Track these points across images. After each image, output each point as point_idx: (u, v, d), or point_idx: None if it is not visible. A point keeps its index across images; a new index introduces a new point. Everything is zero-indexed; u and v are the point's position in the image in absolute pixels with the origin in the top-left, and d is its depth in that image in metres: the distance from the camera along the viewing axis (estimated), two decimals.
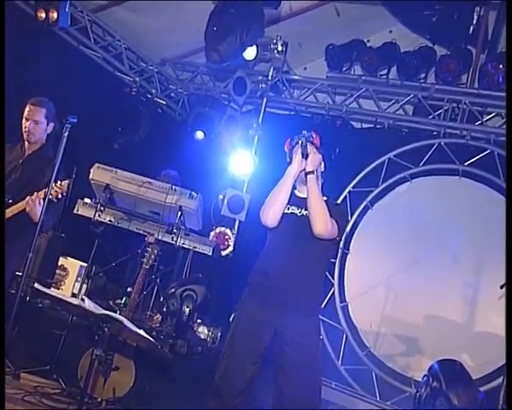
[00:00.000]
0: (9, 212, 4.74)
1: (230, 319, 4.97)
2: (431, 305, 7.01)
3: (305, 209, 3.97)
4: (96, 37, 7.73)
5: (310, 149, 4.00)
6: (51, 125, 4.99)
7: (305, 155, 3.96)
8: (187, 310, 5.76)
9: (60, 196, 4.51)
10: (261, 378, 4.04)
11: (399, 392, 6.80)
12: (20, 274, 4.03)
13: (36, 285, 3.54)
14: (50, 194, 4.33)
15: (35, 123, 4.91)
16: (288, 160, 4.12)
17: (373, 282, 7.42)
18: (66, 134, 4.31)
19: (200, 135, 8.16)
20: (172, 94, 8.89)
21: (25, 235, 4.50)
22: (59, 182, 4.49)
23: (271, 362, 3.98)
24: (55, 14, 6.54)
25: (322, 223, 3.86)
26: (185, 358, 5.68)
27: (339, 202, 7.61)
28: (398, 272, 7.29)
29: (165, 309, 5.91)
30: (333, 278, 7.62)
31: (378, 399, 6.82)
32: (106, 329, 3.21)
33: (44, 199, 4.32)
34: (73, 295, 6.18)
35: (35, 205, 4.56)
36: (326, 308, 7.50)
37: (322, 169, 4.19)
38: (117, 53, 8.00)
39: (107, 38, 7.89)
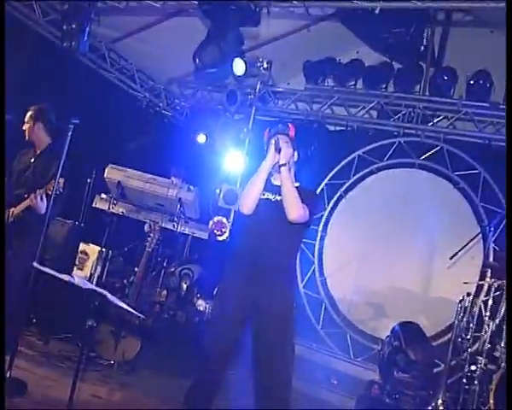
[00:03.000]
0: (23, 206, 4.68)
1: (214, 292, 4.94)
2: (394, 276, 6.94)
3: (279, 195, 3.80)
4: (112, 61, 7.68)
5: (282, 143, 3.81)
6: (38, 124, 4.87)
7: (277, 150, 3.78)
8: (184, 286, 5.72)
9: (58, 191, 4.30)
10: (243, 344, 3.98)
11: (369, 350, 6.74)
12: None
13: (34, 264, 3.42)
14: (50, 189, 4.25)
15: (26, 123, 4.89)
16: (265, 148, 3.92)
17: (347, 259, 7.35)
18: (69, 134, 4.22)
19: (202, 138, 8.10)
20: (178, 107, 8.83)
21: (36, 225, 4.37)
22: (61, 179, 4.38)
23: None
24: (76, 42, 6.49)
25: (295, 210, 3.70)
26: (184, 326, 5.63)
27: (317, 192, 7.63)
28: (367, 250, 7.19)
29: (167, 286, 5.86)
30: (313, 257, 7.57)
31: (352, 357, 6.77)
32: (96, 302, 3.13)
33: (47, 195, 4.29)
34: (90, 275, 6.14)
35: (37, 200, 4.48)
36: (308, 282, 7.53)
37: (296, 159, 3.99)
38: (130, 74, 7.96)
39: (122, 62, 7.84)
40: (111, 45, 7.57)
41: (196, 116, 8.49)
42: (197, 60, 5.51)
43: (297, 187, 3.89)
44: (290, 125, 4.01)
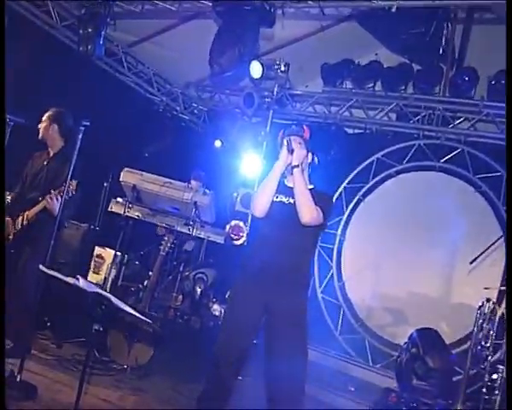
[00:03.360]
0: (37, 209, 4.70)
1: (226, 296, 4.86)
2: (414, 281, 6.80)
3: (292, 198, 3.72)
4: (129, 65, 7.67)
5: (295, 144, 3.74)
6: (54, 125, 4.90)
7: (290, 151, 3.70)
8: (199, 290, 5.64)
9: (71, 193, 4.32)
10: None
11: (388, 356, 6.59)
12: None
13: (40, 267, 3.38)
14: (65, 191, 4.23)
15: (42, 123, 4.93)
16: (279, 149, 3.84)
17: (365, 263, 7.24)
18: (80, 136, 4.20)
19: (218, 143, 8.11)
20: (195, 111, 8.79)
21: (51, 228, 4.33)
22: (73, 181, 4.36)
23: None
24: (92, 46, 6.49)
25: (308, 212, 3.62)
26: (198, 331, 5.55)
27: (335, 195, 7.53)
28: (386, 254, 7.08)
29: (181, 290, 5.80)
30: (331, 261, 7.45)
31: (370, 364, 6.63)
32: (103, 306, 3.07)
33: (62, 196, 4.27)
34: (105, 280, 6.11)
35: (52, 202, 4.49)
36: (326, 287, 7.41)
37: (310, 161, 3.91)
38: (147, 78, 7.93)
39: (139, 66, 7.82)
40: (128, 49, 7.56)
41: (214, 120, 8.48)
42: (213, 62, 5.47)
43: (311, 189, 3.81)
44: (305, 127, 3.94)
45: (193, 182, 6.95)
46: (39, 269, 3.41)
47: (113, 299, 3.06)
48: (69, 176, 4.26)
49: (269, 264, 3.70)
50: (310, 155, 3.92)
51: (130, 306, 3.31)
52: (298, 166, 3.70)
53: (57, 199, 4.47)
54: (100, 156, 7.03)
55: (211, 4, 5.71)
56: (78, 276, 3.15)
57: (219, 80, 8.19)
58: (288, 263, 3.71)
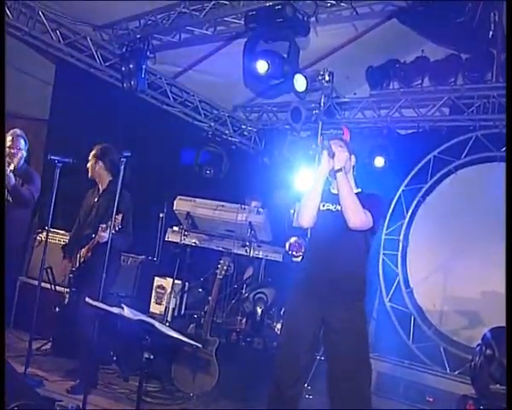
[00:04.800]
0: (91, 245, 4.80)
1: (281, 313, 4.74)
2: (485, 280, 6.39)
3: (339, 204, 3.61)
4: (174, 96, 7.77)
5: (336, 148, 3.63)
6: (99, 162, 5.02)
7: (331, 155, 3.59)
8: (259, 311, 5.54)
9: (117, 227, 4.39)
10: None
11: (466, 362, 6.18)
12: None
13: (87, 299, 3.38)
14: (112, 225, 4.30)
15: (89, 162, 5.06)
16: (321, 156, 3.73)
17: (432, 267, 6.92)
18: (122, 168, 4.26)
19: (270, 162, 8.04)
20: (245, 132, 8.78)
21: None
22: (119, 215, 4.40)
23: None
24: (135, 82, 6.61)
25: (355, 216, 3.50)
26: (262, 353, 5.43)
27: (395, 200, 7.29)
28: (453, 255, 6.74)
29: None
30: (397, 268, 7.19)
31: (448, 371, 6.26)
32: (149, 334, 3.01)
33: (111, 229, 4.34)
34: (165, 309, 6.11)
35: (103, 237, 4.56)
36: (393, 296, 7.14)
37: (354, 163, 3.80)
38: (194, 106, 8.00)
39: (184, 95, 7.89)
40: (172, 81, 7.66)
41: (264, 139, 8.47)
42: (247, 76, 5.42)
43: (358, 193, 3.71)
44: (344, 129, 3.83)
45: (253, 203, 6.89)
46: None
47: (157, 325, 3.01)
48: (114, 209, 4.35)
49: (321, 275, 3.62)
50: (353, 157, 3.81)
51: (183, 332, 3.27)
52: (340, 169, 3.58)
53: (105, 231, 4.55)
54: (153, 188, 7.20)
55: (242, 23, 5.70)
56: (123, 305, 3.12)
57: (265, 97, 8.24)
58: (341, 272, 3.60)
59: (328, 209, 3.70)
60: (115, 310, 3.08)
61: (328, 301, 3.56)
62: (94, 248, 4.79)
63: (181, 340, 3.01)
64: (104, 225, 4.58)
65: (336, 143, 3.71)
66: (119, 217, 4.38)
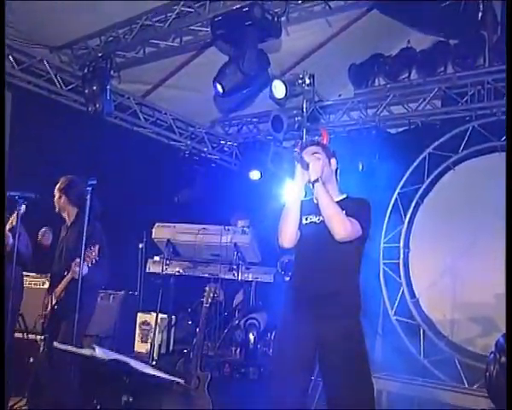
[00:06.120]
0: (64, 283, 4.68)
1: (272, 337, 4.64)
2: (496, 281, 6.20)
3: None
4: (145, 116, 7.72)
5: (309, 157, 3.53)
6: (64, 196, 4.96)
7: (305, 166, 3.47)
8: (252, 338, 5.43)
9: (94, 260, 4.34)
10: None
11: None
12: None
13: (54, 343, 3.27)
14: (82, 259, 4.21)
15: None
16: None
17: (438, 272, 6.76)
18: (88, 197, 4.19)
19: (255, 175, 7.91)
20: (225, 148, 8.76)
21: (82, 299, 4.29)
22: (95, 246, 4.33)
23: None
24: (100, 104, 6.53)
25: (339, 227, 3.40)
26: (258, 382, 5.31)
27: (391, 204, 7.20)
28: (459, 258, 6.56)
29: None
30: (399, 278, 7.05)
31: (466, 385, 6.12)
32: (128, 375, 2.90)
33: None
34: (151, 346, 5.97)
35: (77, 273, 4.39)
36: (398, 308, 6.98)
37: (335, 166, 3.70)
38: (167, 125, 7.95)
39: (156, 114, 7.85)
40: (141, 99, 7.61)
41: (245, 153, 8.39)
42: (218, 86, 5.36)
43: (344, 199, 3.63)
44: (323, 131, 3.73)
45: (239, 222, 6.80)
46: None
47: (133, 363, 2.90)
48: (83, 242, 4.24)
49: (309, 292, 3.52)
50: (333, 161, 3.70)
51: (171, 369, 3.16)
52: (317, 180, 3.46)
53: (82, 267, 4.39)
54: (129, 216, 7.08)
55: (209, 30, 5.64)
56: (94, 345, 3.01)
57: (242, 109, 8.18)
58: (330, 287, 3.49)
59: (312, 222, 3.60)
60: (86, 352, 2.98)
61: (320, 319, 3.44)
62: (68, 287, 4.66)
63: (160, 377, 2.89)
64: (78, 260, 4.44)
65: (309, 151, 3.63)
66: (96, 249, 4.35)
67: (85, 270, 4.37)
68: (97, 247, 4.41)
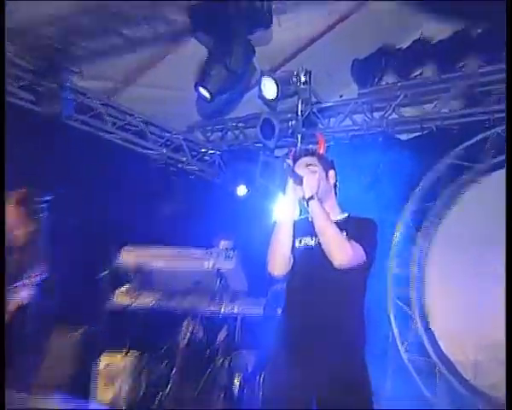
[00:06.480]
0: (12, 306, 4.57)
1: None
2: None
3: None
4: (113, 119, 7.61)
5: (302, 170, 3.49)
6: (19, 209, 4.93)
7: (298, 181, 3.41)
8: (237, 382, 5.47)
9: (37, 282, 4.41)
10: None
11: None
12: None
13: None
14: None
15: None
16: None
17: (458, 304, 6.69)
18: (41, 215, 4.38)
19: (241, 191, 7.87)
20: (206, 157, 8.73)
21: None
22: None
23: None
24: (57, 105, 6.45)
25: (338, 252, 3.36)
26: None
27: (401, 224, 7.10)
28: (487, 289, 6.33)
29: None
30: (410, 309, 7.09)
31: None
32: None
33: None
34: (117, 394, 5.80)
35: (22, 297, 4.46)
36: (410, 345, 7.01)
37: (334, 180, 3.67)
38: (138, 130, 7.85)
39: (126, 117, 7.74)
40: (107, 100, 7.48)
41: (230, 163, 8.41)
42: (202, 92, 5.23)
43: (344, 218, 3.63)
44: (319, 138, 3.63)
45: (221, 243, 6.65)
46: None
47: None
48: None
49: (304, 328, 3.44)
50: (332, 173, 3.68)
51: None
52: (312, 197, 3.40)
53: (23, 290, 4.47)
54: (94, 237, 6.88)
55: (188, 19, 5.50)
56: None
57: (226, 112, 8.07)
58: (329, 321, 3.42)
59: (307, 245, 3.57)
60: None
61: (317, 357, 3.36)
62: (14, 316, 4.53)
63: None
64: (21, 282, 4.47)
65: (303, 163, 3.61)
66: (41, 269, 4.40)
67: (25, 295, 4.41)
68: (42, 267, 4.51)
